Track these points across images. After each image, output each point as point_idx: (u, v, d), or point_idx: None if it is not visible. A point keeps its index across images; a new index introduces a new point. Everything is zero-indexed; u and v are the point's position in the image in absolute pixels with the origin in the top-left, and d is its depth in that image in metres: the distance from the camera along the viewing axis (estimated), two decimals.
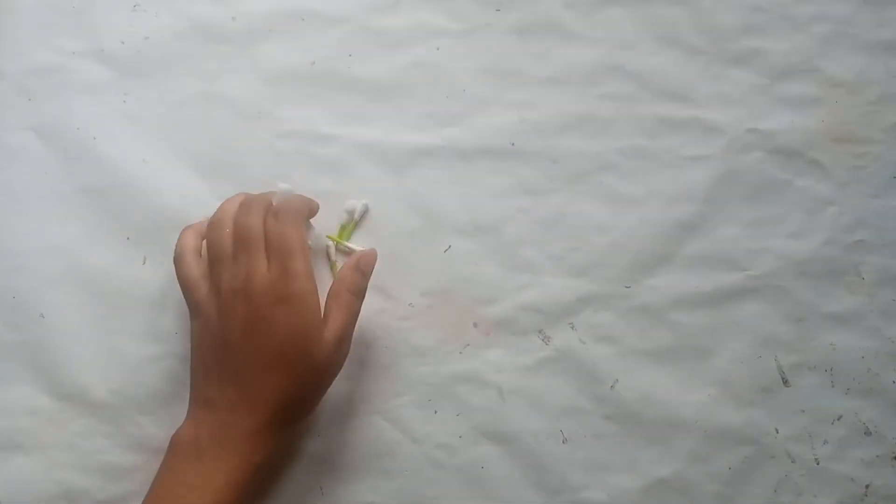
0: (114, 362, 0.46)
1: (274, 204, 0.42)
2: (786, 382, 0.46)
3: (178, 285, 0.47)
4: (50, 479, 0.44)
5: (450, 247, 0.48)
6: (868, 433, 0.46)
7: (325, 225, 0.48)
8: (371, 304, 0.46)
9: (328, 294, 0.42)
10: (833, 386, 0.46)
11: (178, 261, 0.43)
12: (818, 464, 0.45)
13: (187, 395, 0.45)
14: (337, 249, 0.48)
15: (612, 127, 0.49)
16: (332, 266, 0.47)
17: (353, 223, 0.48)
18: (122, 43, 0.50)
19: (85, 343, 0.46)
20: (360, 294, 0.43)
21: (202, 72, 0.50)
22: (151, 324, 0.46)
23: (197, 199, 0.48)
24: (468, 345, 0.46)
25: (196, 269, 0.42)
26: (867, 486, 0.45)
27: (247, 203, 0.42)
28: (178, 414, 0.45)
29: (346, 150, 0.49)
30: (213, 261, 0.42)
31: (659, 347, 0.47)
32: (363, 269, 0.43)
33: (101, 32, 0.50)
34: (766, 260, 0.47)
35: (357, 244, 0.47)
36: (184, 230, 0.44)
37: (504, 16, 0.51)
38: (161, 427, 0.45)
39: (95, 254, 0.47)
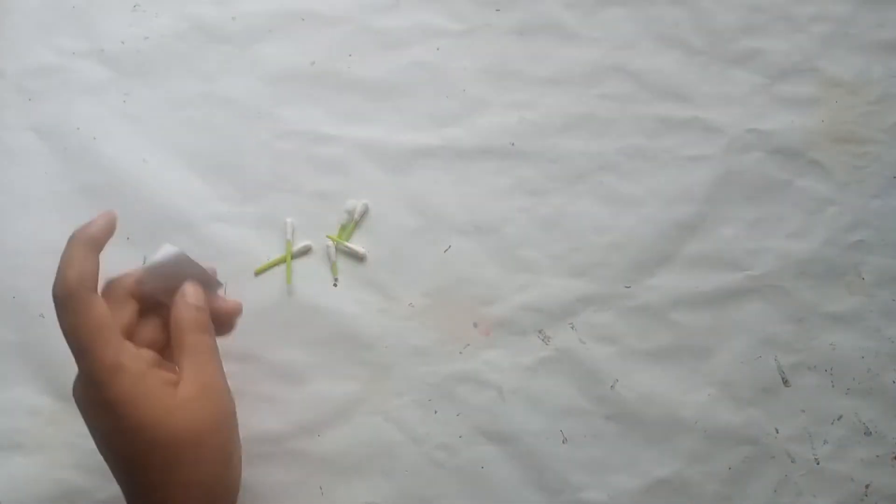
0: None
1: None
2: (786, 382, 0.46)
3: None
4: (50, 479, 0.44)
5: (450, 247, 0.48)
6: (868, 433, 0.46)
7: (325, 225, 0.48)
8: (371, 304, 0.47)
9: (172, 344, 0.37)
10: (833, 386, 0.46)
11: None
12: (818, 464, 0.45)
13: None
14: (337, 249, 0.48)
15: (612, 127, 0.49)
16: (332, 266, 0.47)
17: (353, 223, 0.48)
18: (123, 43, 0.50)
19: None
20: (205, 328, 0.37)
21: (202, 72, 0.50)
22: None
23: (197, 199, 0.48)
24: (468, 345, 0.46)
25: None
26: (867, 486, 0.45)
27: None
28: None
29: (346, 150, 0.49)
30: None
31: (659, 347, 0.47)
32: (193, 301, 0.37)
33: (101, 32, 0.50)
34: (766, 260, 0.47)
35: (357, 244, 0.47)
36: None
37: (504, 16, 0.51)
38: None
39: None
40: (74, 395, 0.36)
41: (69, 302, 0.33)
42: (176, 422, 0.34)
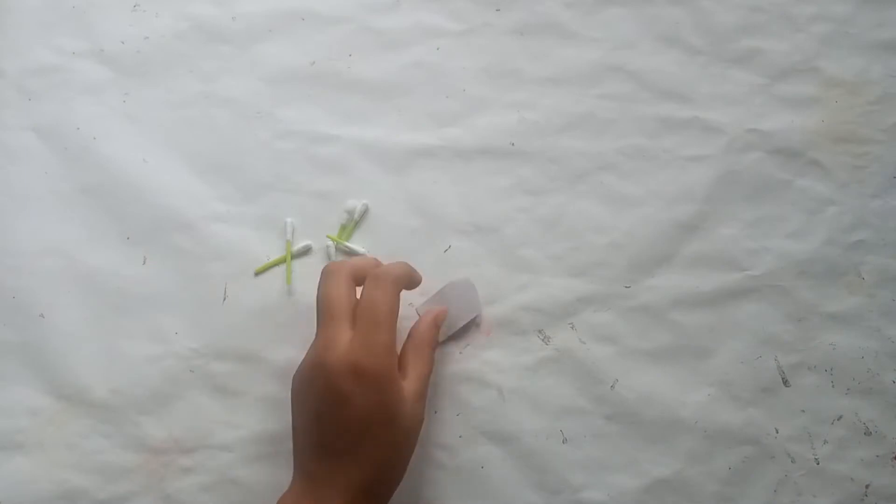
0: (114, 362, 0.46)
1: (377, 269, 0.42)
2: (786, 382, 0.46)
3: (177, 285, 0.47)
4: (50, 479, 0.44)
5: (450, 247, 0.48)
6: (868, 433, 0.46)
7: (325, 225, 0.48)
8: None
9: (405, 347, 0.42)
10: (833, 386, 0.46)
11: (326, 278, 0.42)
12: (818, 464, 0.45)
13: (187, 395, 0.45)
14: (337, 249, 0.48)
15: (611, 127, 0.49)
16: None
17: (353, 223, 0.48)
18: (122, 43, 0.50)
19: (85, 343, 0.46)
20: (434, 344, 0.44)
21: (202, 72, 0.50)
22: (151, 324, 0.46)
23: (197, 199, 0.48)
24: (468, 345, 0.46)
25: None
26: (867, 486, 0.45)
27: (331, 270, 0.41)
28: (178, 414, 0.45)
29: (346, 150, 0.49)
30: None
31: (659, 347, 0.47)
32: (440, 323, 0.45)
33: (101, 32, 0.50)
34: (766, 260, 0.47)
35: (357, 244, 0.47)
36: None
37: (504, 16, 0.51)
38: (161, 427, 0.45)
39: (95, 253, 0.47)
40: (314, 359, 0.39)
41: (397, 285, 0.41)
42: (401, 418, 0.39)
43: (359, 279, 0.42)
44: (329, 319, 0.40)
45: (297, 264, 0.47)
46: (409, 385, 0.40)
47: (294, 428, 0.41)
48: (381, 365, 0.38)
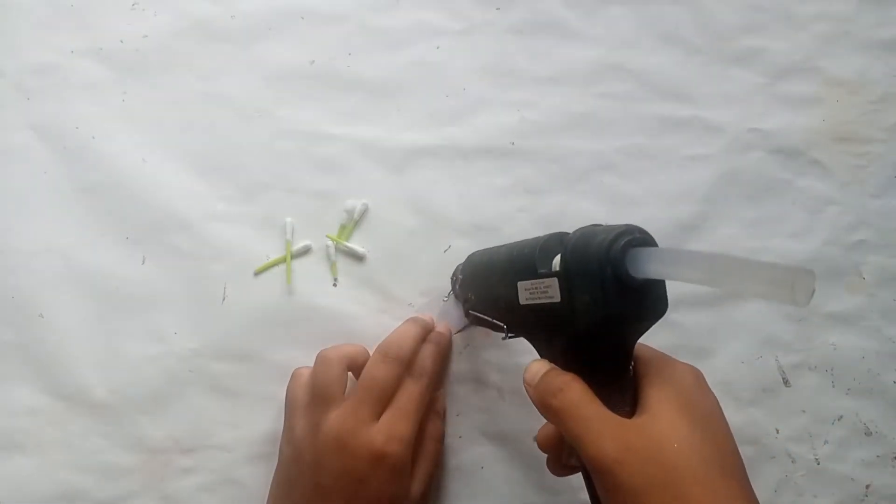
0: (113, 362, 0.46)
1: (430, 338, 0.42)
2: (786, 382, 0.46)
3: (177, 284, 0.47)
4: (50, 479, 0.44)
5: (450, 247, 0.48)
6: (868, 433, 0.46)
7: (324, 225, 0.48)
8: (371, 304, 0.46)
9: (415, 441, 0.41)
10: (833, 386, 0.46)
11: (322, 359, 0.41)
12: (818, 464, 0.45)
13: (186, 395, 0.45)
14: (336, 249, 0.48)
15: (612, 126, 0.49)
16: (332, 266, 0.47)
17: (352, 223, 0.48)
18: (121, 42, 0.50)
19: (85, 343, 0.46)
20: (441, 438, 0.44)
21: (201, 71, 0.50)
22: (151, 324, 0.46)
23: (196, 198, 0.48)
24: (468, 345, 0.46)
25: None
26: (867, 486, 0.45)
27: (389, 353, 0.40)
28: (178, 414, 0.45)
29: (346, 150, 0.49)
30: (330, 397, 0.40)
31: (659, 347, 0.46)
32: (441, 412, 0.44)
33: (100, 31, 0.50)
34: (766, 260, 0.47)
35: (357, 244, 0.47)
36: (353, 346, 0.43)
37: (504, 15, 0.51)
38: (160, 427, 0.45)
39: (94, 253, 0.47)
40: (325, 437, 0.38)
41: (430, 386, 0.41)
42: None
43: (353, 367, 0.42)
44: (366, 400, 0.38)
45: (297, 264, 0.47)
46: (416, 483, 0.40)
47: (282, 485, 0.40)
48: (399, 454, 0.38)
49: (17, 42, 0.50)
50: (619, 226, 0.30)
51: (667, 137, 0.49)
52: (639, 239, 0.29)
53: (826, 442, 0.45)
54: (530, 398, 0.34)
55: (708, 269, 0.26)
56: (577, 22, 0.50)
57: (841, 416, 0.46)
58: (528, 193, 0.48)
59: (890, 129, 0.49)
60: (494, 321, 0.39)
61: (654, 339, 0.46)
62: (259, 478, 0.44)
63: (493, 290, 0.38)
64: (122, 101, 0.49)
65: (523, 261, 0.34)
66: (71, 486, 0.44)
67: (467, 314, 0.43)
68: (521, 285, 0.34)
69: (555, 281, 0.32)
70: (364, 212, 0.48)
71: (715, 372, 0.46)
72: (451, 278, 0.45)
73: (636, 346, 0.33)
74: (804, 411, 0.46)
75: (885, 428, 0.45)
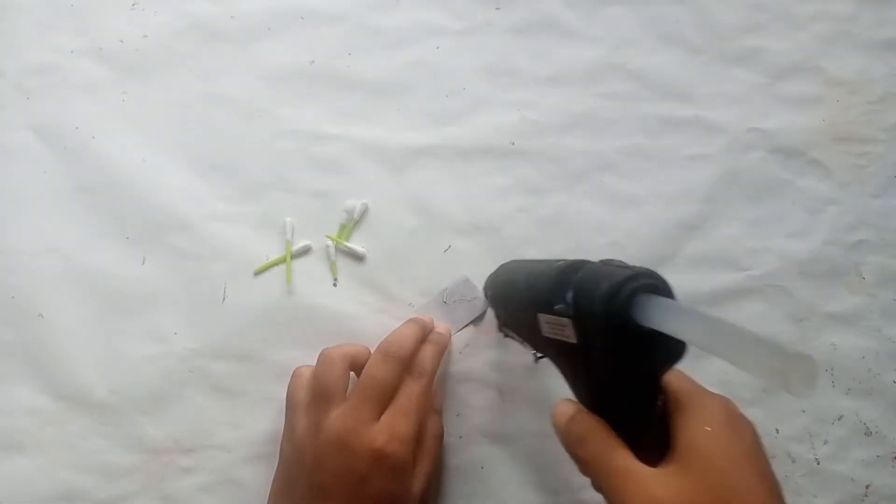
0: (113, 362, 0.46)
1: (430, 338, 0.43)
2: None
3: (177, 284, 0.47)
4: (50, 479, 0.44)
5: (450, 247, 0.48)
6: (868, 433, 0.46)
7: (324, 225, 0.48)
8: (371, 304, 0.46)
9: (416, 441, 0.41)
10: (833, 386, 0.46)
11: (324, 359, 0.41)
12: (818, 464, 0.45)
13: (186, 395, 0.45)
14: (336, 249, 0.48)
15: (612, 126, 0.49)
16: (332, 266, 0.47)
17: (352, 223, 0.48)
18: (121, 42, 0.50)
19: (85, 343, 0.46)
20: (441, 436, 0.44)
21: (201, 70, 0.50)
22: (151, 324, 0.46)
23: (196, 198, 0.48)
24: (468, 345, 0.46)
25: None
26: (867, 487, 0.45)
27: (389, 353, 0.40)
28: (178, 414, 0.45)
29: (346, 150, 0.49)
30: (331, 395, 0.40)
31: None
32: (439, 408, 0.45)
33: (100, 31, 0.50)
34: (766, 260, 0.47)
35: (357, 244, 0.47)
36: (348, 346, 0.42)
37: (504, 14, 0.50)
38: (160, 427, 0.45)
39: (94, 253, 0.47)
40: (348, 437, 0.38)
41: (430, 384, 0.41)
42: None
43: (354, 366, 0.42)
44: (367, 400, 0.39)
45: (297, 264, 0.47)
46: (417, 480, 0.40)
47: (283, 484, 0.40)
48: (400, 453, 0.38)
49: (17, 42, 0.50)
50: (628, 269, 0.29)
51: (667, 137, 0.49)
52: (648, 285, 0.28)
53: (826, 442, 0.45)
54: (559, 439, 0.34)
55: (708, 334, 0.25)
56: (577, 22, 0.50)
57: (841, 416, 0.46)
58: (528, 193, 0.48)
59: (890, 129, 0.49)
60: (524, 343, 0.38)
61: None
62: (259, 478, 0.44)
63: (517, 316, 0.38)
64: (122, 101, 0.49)
65: (540, 292, 0.33)
66: (71, 486, 0.44)
67: (500, 329, 0.44)
68: (542, 318, 0.33)
69: (570, 322, 0.31)
70: (364, 212, 0.48)
71: (715, 372, 0.46)
72: (483, 290, 0.46)
73: (665, 376, 0.32)
74: (804, 411, 0.46)
75: (885, 428, 0.45)
